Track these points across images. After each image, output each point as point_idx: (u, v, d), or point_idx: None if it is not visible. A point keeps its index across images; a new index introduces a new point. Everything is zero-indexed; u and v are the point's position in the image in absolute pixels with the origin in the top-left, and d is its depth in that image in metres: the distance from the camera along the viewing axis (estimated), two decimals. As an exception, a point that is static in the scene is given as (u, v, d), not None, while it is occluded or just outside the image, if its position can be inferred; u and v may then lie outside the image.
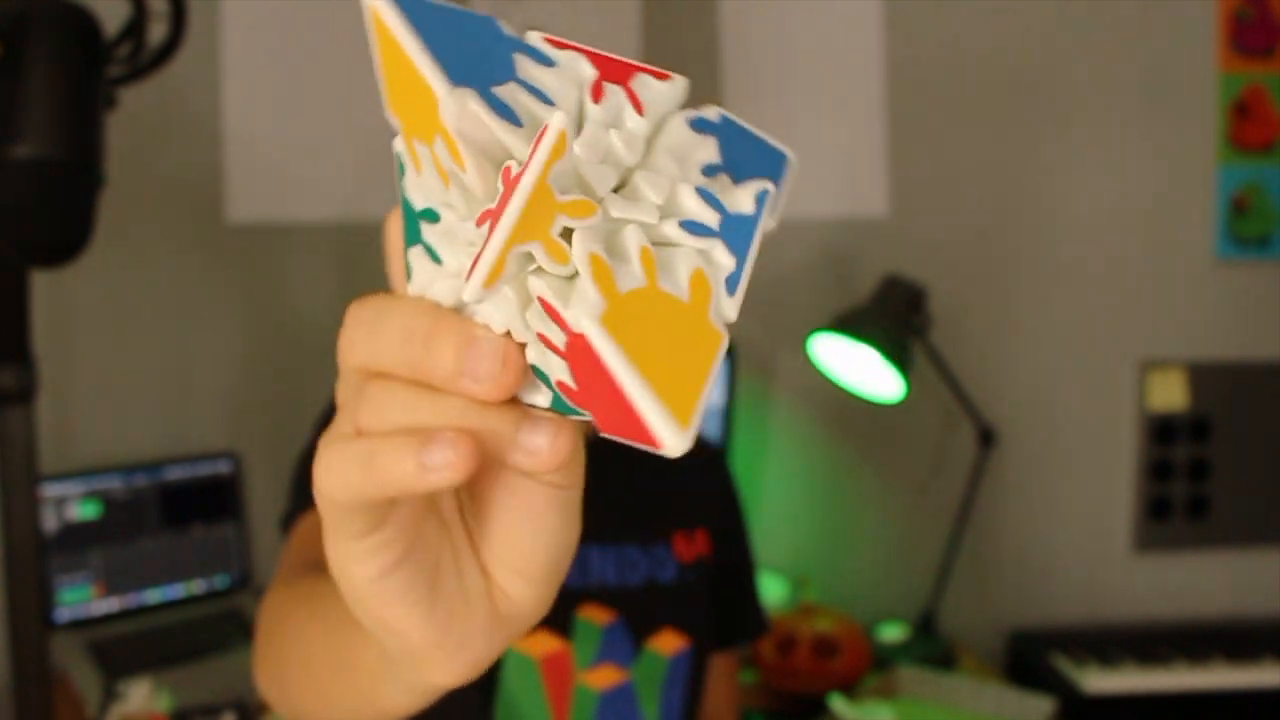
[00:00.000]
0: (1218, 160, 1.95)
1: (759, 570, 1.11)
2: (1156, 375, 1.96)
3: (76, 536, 1.55)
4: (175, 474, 1.64)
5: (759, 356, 1.86)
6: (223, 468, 1.68)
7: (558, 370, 0.27)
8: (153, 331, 1.73)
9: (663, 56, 1.83)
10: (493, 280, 0.26)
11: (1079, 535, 1.98)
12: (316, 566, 0.57)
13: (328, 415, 0.93)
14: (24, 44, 0.85)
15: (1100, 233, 1.94)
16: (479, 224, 0.27)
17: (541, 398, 0.28)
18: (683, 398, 0.25)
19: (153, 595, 1.61)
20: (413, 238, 0.29)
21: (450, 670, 0.33)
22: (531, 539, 0.32)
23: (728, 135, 0.30)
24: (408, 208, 0.30)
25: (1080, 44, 1.91)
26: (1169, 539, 1.98)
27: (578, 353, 0.26)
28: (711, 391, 0.26)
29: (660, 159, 0.28)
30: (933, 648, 1.75)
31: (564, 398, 0.27)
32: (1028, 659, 1.84)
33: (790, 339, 1.84)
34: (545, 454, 0.28)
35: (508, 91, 0.27)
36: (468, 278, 0.26)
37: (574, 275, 0.26)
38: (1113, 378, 1.97)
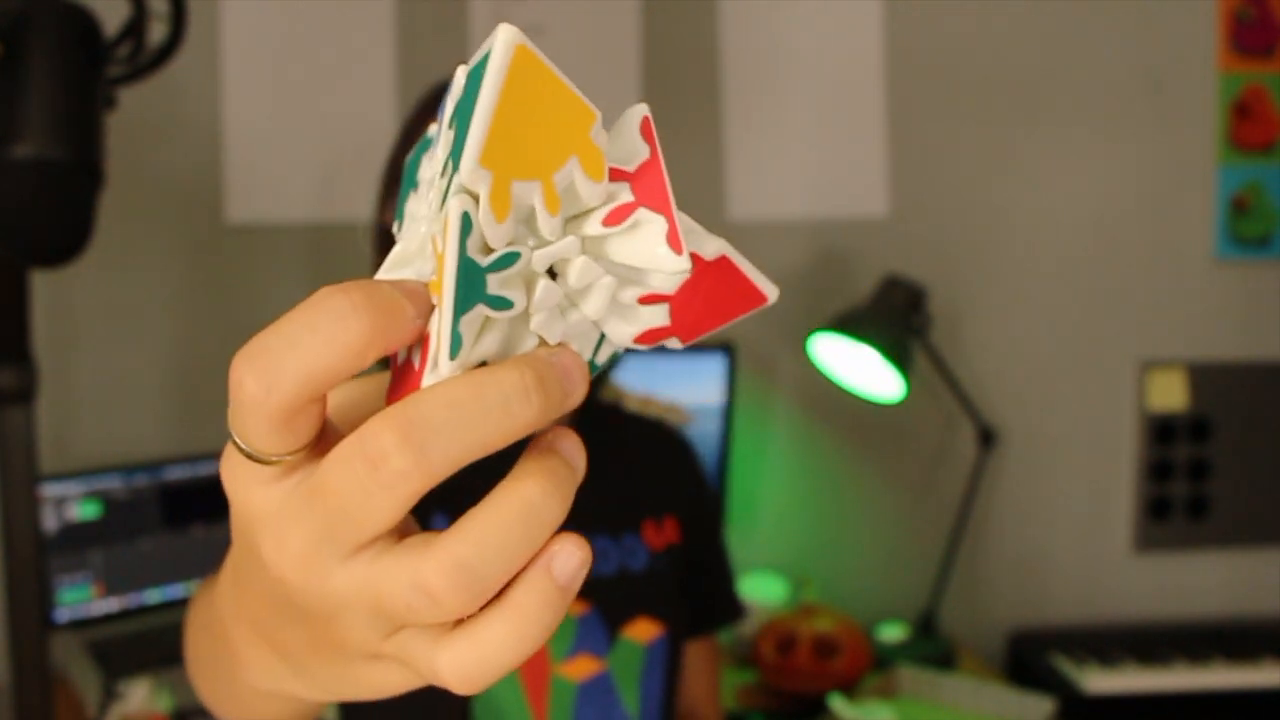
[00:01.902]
0: (1218, 160, 1.95)
1: (731, 556, 1.11)
2: (1156, 375, 1.96)
3: (76, 536, 1.55)
4: (175, 474, 1.64)
5: (759, 356, 1.86)
6: (223, 468, 1.67)
7: (643, 324, 0.31)
8: (153, 331, 1.73)
9: (663, 56, 1.83)
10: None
11: (1079, 535, 1.98)
12: None
13: None
14: (24, 44, 0.85)
15: (1100, 233, 1.94)
16: (611, 221, 0.29)
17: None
18: None
19: (153, 595, 1.61)
20: (468, 303, 0.28)
21: (340, 696, 0.34)
22: None
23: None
24: (467, 269, 0.28)
25: (1080, 44, 1.91)
26: (1169, 539, 1.98)
27: (707, 275, 0.32)
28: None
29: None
30: (933, 648, 1.75)
31: (641, 344, 0.32)
32: (1028, 659, 1.84)
33: (790, 339, 1.84)
34: (576, 456, 0.30)
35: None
36: (663, 244, 0.30)
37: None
38: (1113, 378, 1.97)
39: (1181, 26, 1.92)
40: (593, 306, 0.30)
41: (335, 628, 0.28)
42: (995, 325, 1.93)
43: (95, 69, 0.89)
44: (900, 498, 1.94)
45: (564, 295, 0.30)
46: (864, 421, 1.89)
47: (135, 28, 0.99)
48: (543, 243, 0.29)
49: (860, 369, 1.72)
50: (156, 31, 1.02)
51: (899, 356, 1.63)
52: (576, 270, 0.29)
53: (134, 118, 1.11)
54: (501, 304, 0.28)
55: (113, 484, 1.59)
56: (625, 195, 0.30)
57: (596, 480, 0.99)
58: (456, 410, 0.25)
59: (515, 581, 0.26)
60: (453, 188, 0.28)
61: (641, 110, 0.30)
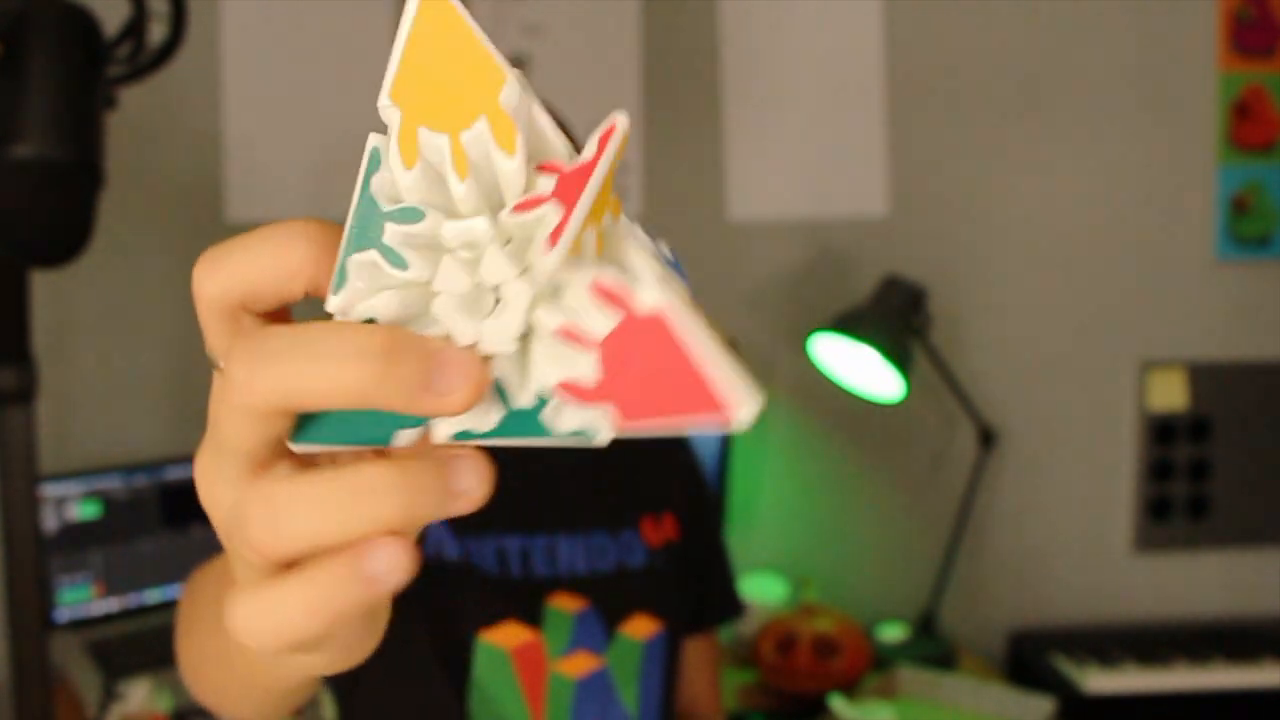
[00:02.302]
0: (1218, 160, 1.95)
1: (730, 553, 1.11)
2: (1156, 375, 1.96)
3: (76, 536, 1.55)
4: (175, 474, 1.63)
5: (759, 356, 1.86)
6: (223, 468, 1.67)
7: (567, 369, 0.26)
8: (153, 331, 1.73)
9: (663, 56, 1.83)
10: (573, 252, 0.25)
11: (1079, 535, 1.98)
12: None
13: None
14: (24, 44, 0.85)
15: (1100, 233, 1.94)
16: (521, 209, 0.26)
17: (490, 417, 0.27)
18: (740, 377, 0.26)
19: (153, 595, 1.61)
20: (362, 243, 0.27)
21: (332, 668, 0.33)
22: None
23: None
24: (367, 208, 0.28)
25: (1080, 44, 1.91)
26: (1169, 539, 1.98)
27: (637, 335, 0.25)
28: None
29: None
30: (933, 648, 1.75)
31: (566, 398, 0.26)
32: (1028, 659, 1.84)
33: (790, 339, 1.84)
34: (477, 493, 0.26)
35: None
36: (549, 247, 0.25)
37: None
38: (1113, 378, 1.97)
39: (1181, 26, 1.92)
40: (508, 319, 0.26)
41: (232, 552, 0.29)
42: (995, 325, 1.93)
43: (95, 69, 0.89)
44: (900, 498, 1.94)
45: (478, 290, 0.26)
46: (864, 421, 1.89)
47: (135, 28, 0.99)
48: (454, 214, 0.27)
49: (860, 369, 1.72)
50: (156, 31, 1.02)
51: (899, 356, 1.63)
52: (488, 262, 0.26)
53: (134, 118, 1.11)
54: (395, 259, 0.27)
55: (113, 484, 1.59)
56: (545, 187, 0.26)
57: (595, 476, 0.99)
58: (299, 345, 0.25)
59: (321, 556, 0.26)
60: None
61: (620, 117, 0.26)
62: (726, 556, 1.10)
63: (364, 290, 0.27)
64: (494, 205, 0.27)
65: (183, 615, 0.59)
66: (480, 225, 0.26)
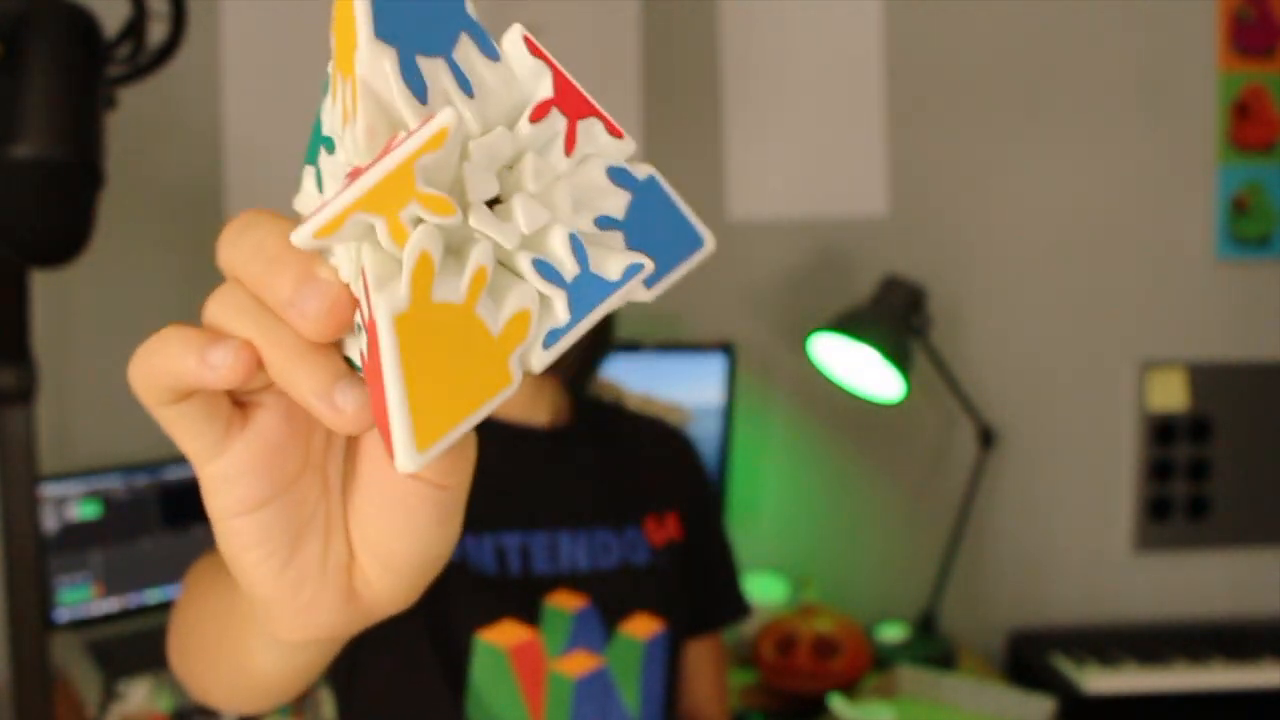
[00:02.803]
0: (1218, 160, 1.95)
1: (735, 554, 1.10)
2: (1156, 375, 1.96)
3: (76, 536, 1.55)
4: (175, 474, 1.64)
5: (759, 356, 1.86)
6: (223, 468, 1.67)
7: (361, 342, 0.27)
8: (153, 331, 1.73)
9: (663, 56, 1.83)
10: (325, 234, 0.26)
11: (1079, 535, 1.98)
12: None
13: None
14: (24, 44, 0.85)
15: (1100, 233, 1.94)
16: (348, 178, 0.26)
17: (356, 357, 0.28)
18: (436, 422, 0.25)
19: (153, 595, 1.61)
20: (311, 157, 0.30)
21: (291, 629, 0.33)
22: (399, 532, 0.31)
23: (646, 197, 0.29)
24: (317, 127, 0.30)
25: (1080, 44, 1.91)
26: (1169, 539, 1.98)
27: (369, 337, 0.26)
28: (472, 425, 0.26)
29: (558, 193, 0.27)
30: (933, 648, 1.75)
31: (360, 368, 0.28)
32: (1028, 659, 1.84)
33: (790, 339, 1.84)
34: (348, 417, 0.27)
35: (431, 66, 0.26)
36: (305, 222, 0.26)
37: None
38: (1113, 378, 1.97)
39: (1181, 26, 1.92)
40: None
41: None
42: (995, 325, 1.93)
43: (95, 69, 0.89)
44: (900, 498, 1.94)
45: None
46: (864, 421, 1.89)
47: (135, 28, 0.99)
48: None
49: (860, 369, 1.72)
50: (156, 31, 1.02)
51: (899, 356, 1.63)
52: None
53: (134, 118, 1.11)
54: (319, 182, 0.30)
55: (113, 484, 1.59)
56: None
57: (598, 474, 0.99)
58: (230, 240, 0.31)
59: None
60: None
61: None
62: (731, 557, 1.10)
63: (309, 202, 0.30)
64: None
65: (179, 608, 0.60)
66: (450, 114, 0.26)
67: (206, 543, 1.66)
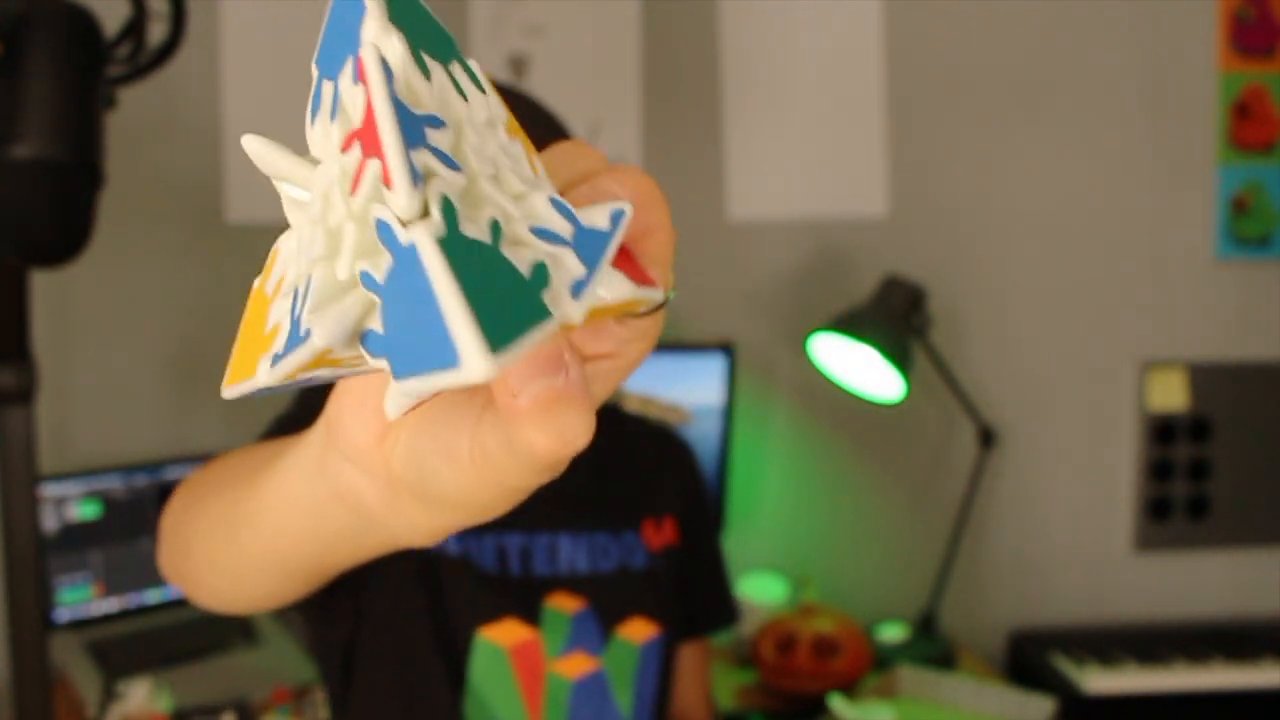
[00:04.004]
0: (1218, 160, 1.95)
1: (726, 560, 1.11)
2: (1156, 375, 1.96)
3: (76, 536, 1.55)
4: (175, 474, 1.64)
5: (759, 356, 1.86)
6: (223, 468, 1.67)
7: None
8: (153, 331, 1.73)
9: (663, 56, 1.83)
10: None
11: (1079, 535, 1.98)
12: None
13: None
14: (24, 44, 0.85)
15: (1100, 233, 1.94)
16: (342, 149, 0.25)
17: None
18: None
19: (153, 595, 1.61)
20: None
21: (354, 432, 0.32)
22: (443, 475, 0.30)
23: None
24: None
25: (1080, 44, 1.91)
26: (1169, 539, 1.98)
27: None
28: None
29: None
30: (933, 648, 1.75)
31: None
32: (1028, 659, 1.84)
33: (790, 339, 1.84)
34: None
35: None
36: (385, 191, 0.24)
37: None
38: (1113, 378, 1.97)
39: (1181, 26, 1.92)
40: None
41: None
42: (995, 325, 1.93)
43: (95, 69, 0.89)
44: (900, 498, 1.94)
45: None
46: (864, 421, 1.89)
47: (135, 28, 0.99)
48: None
49: (860, 369, 1.72)
50: (156, 31, 1.02)
51: (899, 356, 1.63)
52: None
53: (134, 118, 1.11)
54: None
55: (113, 484, 1.59)
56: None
57: (597, 478, 0.98)
58: None
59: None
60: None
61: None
62: (723, 563, 1.10)
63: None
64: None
65: (200, 484, 0.57)
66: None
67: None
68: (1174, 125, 1.94)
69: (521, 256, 0.25)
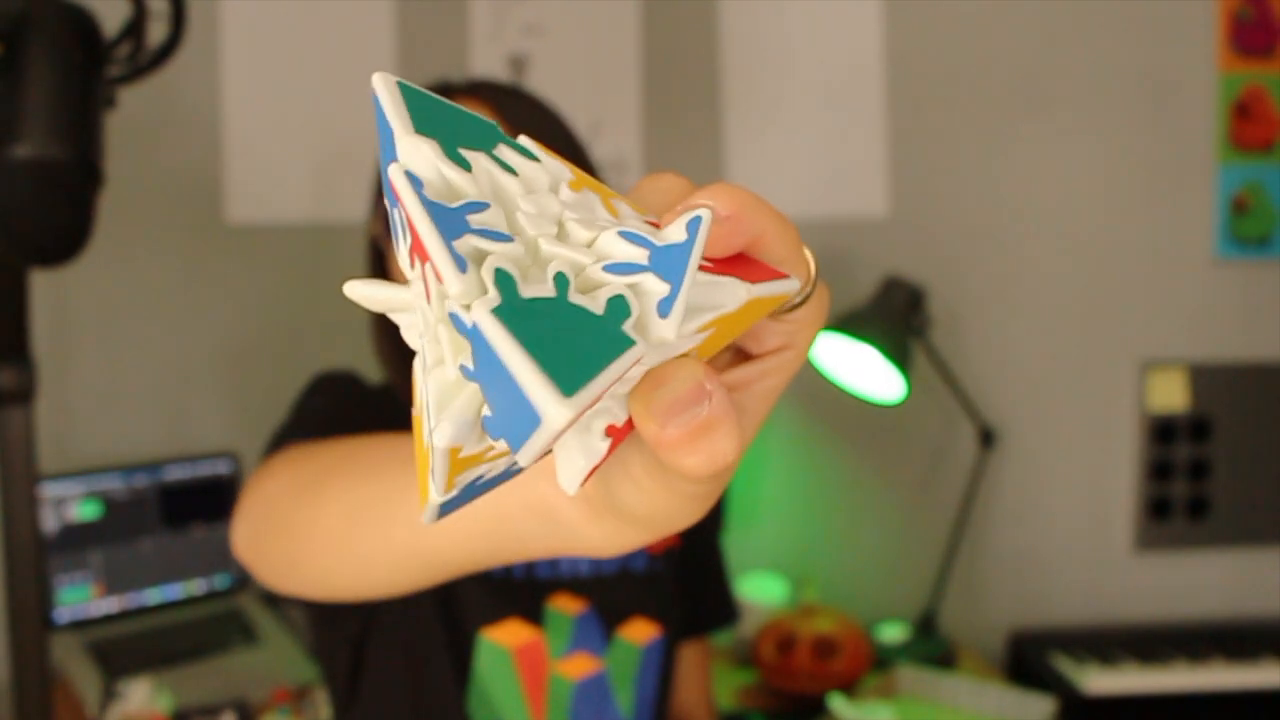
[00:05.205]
0: (1218, 160, 1.95)
1: (728, 560, 1.11)
2: (1156, 375, 1.96)
3: (76, 536, 1.55)
4: (175, 474, 1.64)
5: (759, 356, 1.86)
6: (222, 468, 1.68)
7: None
8: (153, 331, 1.73)
9: (663, 56, 1.83)
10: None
11: (1079, 535, 1.98)
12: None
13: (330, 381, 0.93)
14: (24, 44, 0.85)
15: (1100, 233, 1.94)
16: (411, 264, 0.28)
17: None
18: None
19: (153, 595, 1.61)
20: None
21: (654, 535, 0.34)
22: (647, 497, 0.32)
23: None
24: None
25: (1080, 44, 1.91)
26: (1169, 539, 1.98)
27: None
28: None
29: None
30: (933, 648, 1.75)
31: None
32: (1028, 659, 1.84)
33: (790, 339, 1.84)
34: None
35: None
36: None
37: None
38: (1113, 378, 1.97)
39: (1181, 26, 1.92)
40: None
41: None
42: (995, 325, 1.93)
43: (95, 69, 0.89)
44: (900, 498, 1.94)
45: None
46: (864, 421, 1.89)
47: (135, 28, 0.99)
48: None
49: (860, 369, 1.72)
50: (156, 31, 1.02)
51: (899, 356, 1.63)
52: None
53: (134, 118, 1.11)
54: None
55: (113, 484, 1.59)
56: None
57: None
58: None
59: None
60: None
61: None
62: (724, 562, 1.10)
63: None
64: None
65: (320, 470, 0.56)
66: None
67: (206, 542, 1.66)
68: (1174, 125, 1.93)
69: (598, 297, 0.26)
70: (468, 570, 0.46)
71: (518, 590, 0.89)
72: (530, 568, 0.91)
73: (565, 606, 0.91)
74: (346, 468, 0.53)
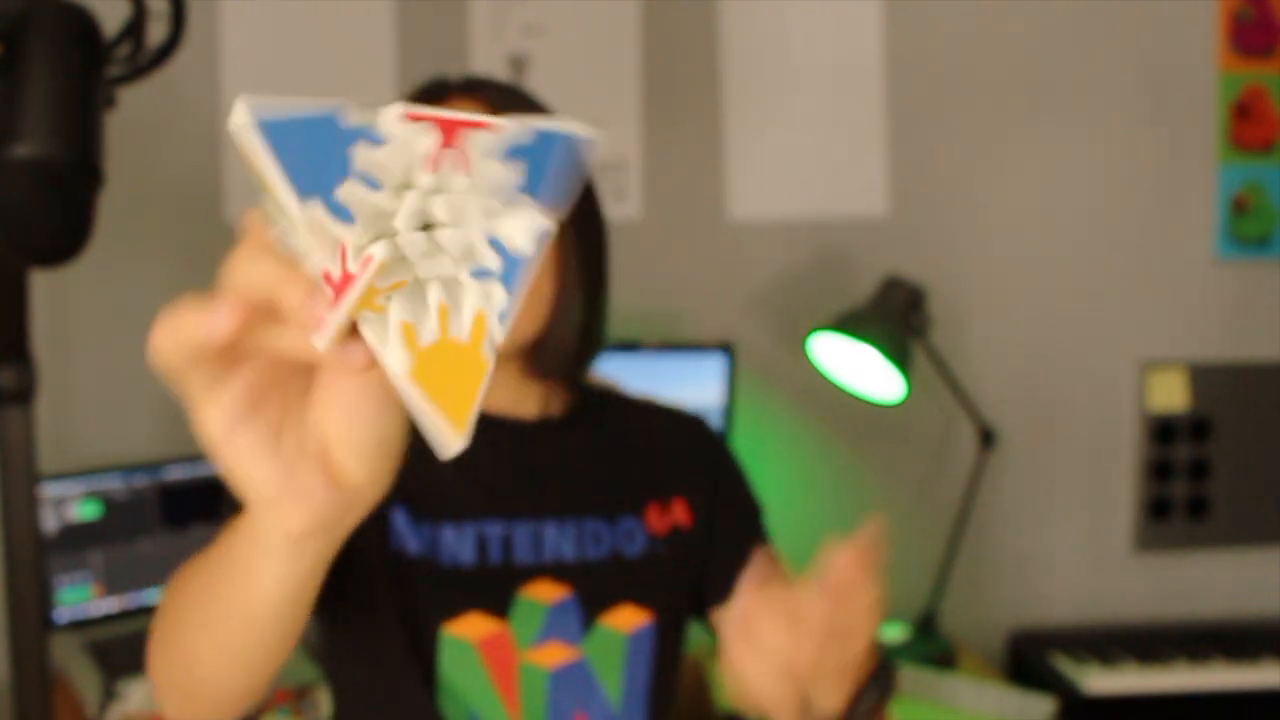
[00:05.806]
0: (1218, 160, 1.95)
1: (766, 528, 1.03)
2: (1156, 375, 1.96)
3: (76, 536, 1.55)
4: (175, 474, 1.63)
5: (759, 356, 1.86)
6: (223, 468, 1.67)
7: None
8: (152, 332, 1.73)
9: (663, 56, 1.83)
10: (336, 340, 0.36)
11: (1079, 535, 1.98)
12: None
13: None
14: (24, 44, 0.85)
15: (1100, 233, 1.94)
16: (330, 284, 0.35)
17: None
18: (459, 413, 0.36)
19: (153, 595, 1.61)
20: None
21: (292, 516, 0.42)
22: (349, 422, 0.41)
23: (536, 149, 0.37)
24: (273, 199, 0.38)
25: (1080, 44, 1.91)
26: (1169, 539, 1.98)
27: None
28: (479, 403, 0.36)
29: (469, 207, 0.36)
30: (933, 648, 1.75)
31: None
32: (1028, 659, 1.84)
33: (790, 339, 1.84)
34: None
35: (347, 191, 0.35)
36: (317, 334, 0.36)
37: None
38: (1113, 378, 1.97)
39: (1181, 26, 1.92)
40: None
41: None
42: (995, 325, 1.93)
43: (95, 69, 0.89)
44: (900, 498, 1.94)
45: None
46: (864, 421, 1.89)
47: (135, 28, 0.99)
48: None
49: (860, 369, 1.72)
50: (156, 31, 1.02)
51: (899, 356, 1.63)
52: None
53: (134, 118, 1.11)
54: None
55: (113, 484, 1.59)
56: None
57: (595, 464, 0.97)
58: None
59: None
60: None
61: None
62: (760, 527, 1.02)
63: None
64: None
65: (165, 608, 0.63)
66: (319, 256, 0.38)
67: (206, 542, 1.66)
68: (1174, 125, 1.93)
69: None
70: (305, 601, 0.53)
71: (488, 581, 0.88)
72: (509, 555, 0.90)
73: (541, 594, 0.89)
74: (202, 565, 0.59)
